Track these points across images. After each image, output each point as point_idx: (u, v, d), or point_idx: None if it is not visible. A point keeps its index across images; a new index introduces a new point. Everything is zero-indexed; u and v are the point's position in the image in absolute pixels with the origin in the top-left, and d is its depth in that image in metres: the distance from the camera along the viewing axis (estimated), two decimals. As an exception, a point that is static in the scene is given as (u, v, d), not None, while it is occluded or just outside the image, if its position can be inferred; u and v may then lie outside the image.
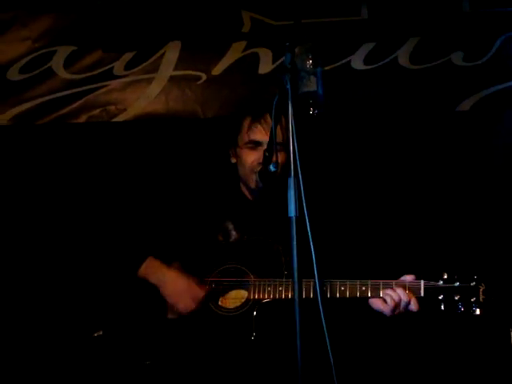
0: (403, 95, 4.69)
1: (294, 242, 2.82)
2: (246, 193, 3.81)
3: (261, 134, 3.62)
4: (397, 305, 3.34)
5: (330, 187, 4.03)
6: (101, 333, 3.60)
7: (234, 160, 3.81)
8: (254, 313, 3.48)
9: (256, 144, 3.64)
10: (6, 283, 4.75)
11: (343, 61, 4.72)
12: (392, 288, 3.37)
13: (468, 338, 4.43)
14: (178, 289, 3.55)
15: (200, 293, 3.54)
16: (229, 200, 3.80)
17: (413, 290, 3.36)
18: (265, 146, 3.49)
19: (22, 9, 4.86)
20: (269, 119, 3.57)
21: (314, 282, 2.87)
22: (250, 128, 3.65)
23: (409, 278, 3.40)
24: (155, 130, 4.84)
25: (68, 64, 4.87)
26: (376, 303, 3.42)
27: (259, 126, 3.63)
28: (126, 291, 3.63)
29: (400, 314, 3.36)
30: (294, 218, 2.83)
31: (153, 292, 3.58)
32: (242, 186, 3.82)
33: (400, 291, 3.34)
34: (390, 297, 3.35)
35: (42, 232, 4.71)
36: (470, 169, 4.63)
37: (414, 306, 3.34)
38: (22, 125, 4.87)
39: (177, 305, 3.54)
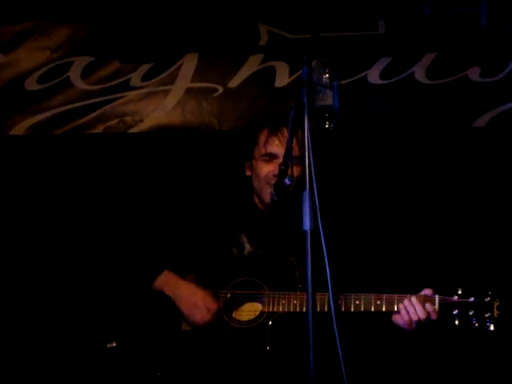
0: (419, 110, 4.68)
1: (309, 256, 2.79)
2: (259, 205, 3.82)
3: (277, 147, 3.64)
4: (413, 317, 3.34)
5: (344, 201, 4.03)
6: (114, 344, 3.61)
7: (248, 172, 3.82)
8: (268, 326, 3.48)
9: (272, 156, 3.66)
10: (22, 293, 4.76)
11: (360, 75, 4.73)
12: (409, 300, 3.37)
13: (482, 353, 4.41)
14: (193, 301, 3.56)
15: (215, 305, 3.55)
16: (242, 213, 3.81)
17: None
18: (280, 159, 3.49)
19: (42, 19, 4.89)
20: (286, 132, 3.58)
21: (329, 296, 2.86)
22: (267, 141, 3.68)
23: (427, 291, 3.41)
24: (171, 141, 4.85)
25: (85, 74, 4.89)
26: (395, 317, 3.42)
27: (276, 139, 3.65)
28: (140, 303, 3.64)
29: (419, 326, 3.36)
30: (308, 232, 2.82)
31: (167, 304, 3.60)
32: (255, 198, 3.83)
33: (415, 303, 3.34)
34: (405, 309, 3.35)
35: (58, 243, 4.73)
36: (486, 184, 4.61)
37: (433, 315, 3.34)
38: (39, 135, 4.89)
39: (193, 316, 3.55)
